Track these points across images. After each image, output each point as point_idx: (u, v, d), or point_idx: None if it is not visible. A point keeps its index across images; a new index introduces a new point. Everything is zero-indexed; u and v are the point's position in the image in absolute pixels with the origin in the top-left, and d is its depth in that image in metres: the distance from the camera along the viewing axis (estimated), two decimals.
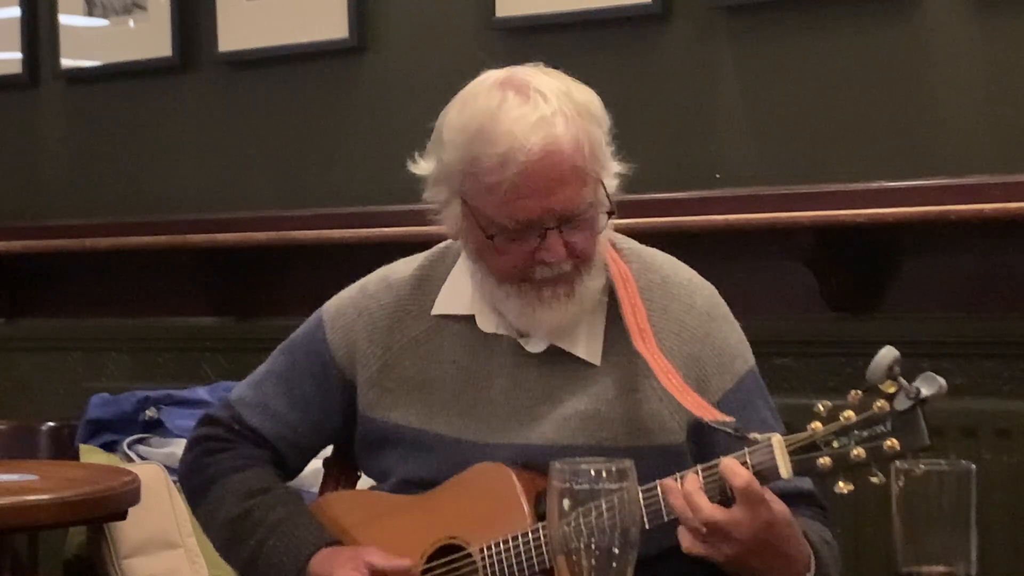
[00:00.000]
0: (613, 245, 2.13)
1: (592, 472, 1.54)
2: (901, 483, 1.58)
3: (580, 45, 3.54)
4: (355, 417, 2.19)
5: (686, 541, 1.86)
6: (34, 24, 4.52)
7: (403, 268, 2.22)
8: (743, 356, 2.12)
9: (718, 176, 3.41)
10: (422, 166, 2.09)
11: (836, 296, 3.27)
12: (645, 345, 2.03)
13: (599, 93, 2.09)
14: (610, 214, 2.04)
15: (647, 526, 1.88)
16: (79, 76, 4.44)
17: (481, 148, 1.98)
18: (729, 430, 1.93)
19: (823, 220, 3.16)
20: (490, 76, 2.05)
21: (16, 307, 4.57)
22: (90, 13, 4.39)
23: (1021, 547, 3.02)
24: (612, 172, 2.06)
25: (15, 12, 4.53)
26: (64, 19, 4.44)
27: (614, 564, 1.54)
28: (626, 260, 2.12)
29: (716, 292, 2.15)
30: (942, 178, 3.12)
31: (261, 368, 2.27)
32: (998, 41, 3.14)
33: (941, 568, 1.56)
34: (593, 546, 1.53)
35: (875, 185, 3.16)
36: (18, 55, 4.53)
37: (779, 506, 1.88)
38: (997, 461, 3.07)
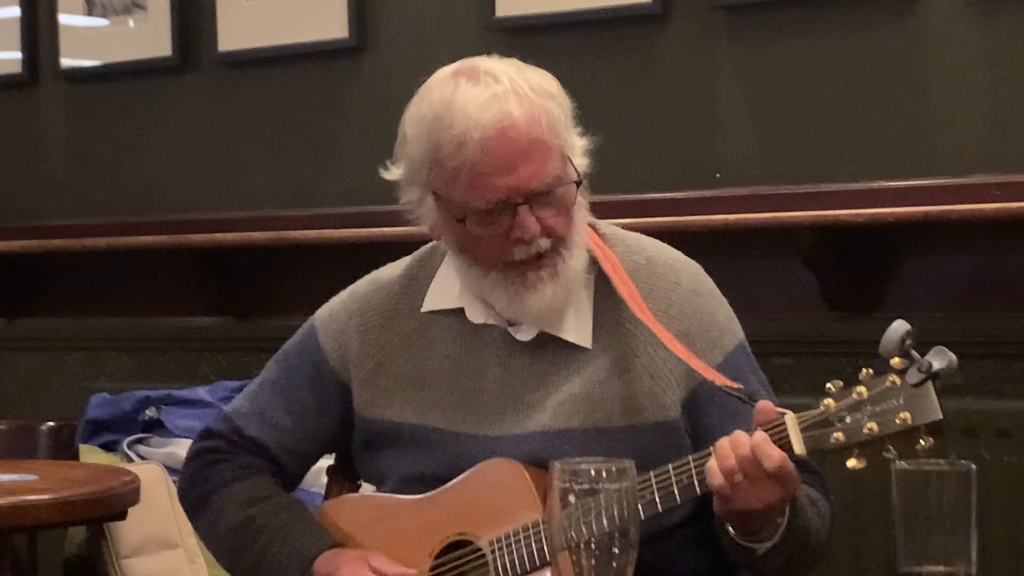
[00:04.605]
0: (595, 229, 2.14)
1: (592, 472, 1.54)
2: (901, 483, 1.58)
3: (580, 45, 3.53)
4: (351, 421, 2.18)
5: (718, 480, 1.85)
6: (34, 24, 4.52)
7: (391, 271, 2.24)
8: (731, 330, 2.12)
9: (718, 176, 3.41)
10: (393, 172, 2.13)
11: (836, 296, 3.27)
12: (645, 315, 2.04)
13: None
14: (578, 184, 2.04)
15: (679, 501, 1.91)
16: (79, 76, 4.44)
17: (440, 134, 2.01)
18: (741, 396, 1.95)
19: (823, 220, 3.16)
20: (444, 70, 2.09)
21: (16, 307, 4.57)
22: (90, 13, 4.39)
23: (1021, 547, 3.02)
24: (578, 148, 2.07)
25: (15, 12, 4.53)
26: (64, 19, 4.44)
27: (614, 564, 1.54)
28: (609, 244, 2.13)
29: (702, 270, 2.16)
30: (942, 178, 3.12)
31: (256, 379, 2.27)
32: (998, 41, 3.14)
33: (941, 568, 1.56)
34: (593, 546, 1.53)
35: (875, 185, 3.16)
36: (18, 55, 4.53)
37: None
38: (997, 461, 3.07)
